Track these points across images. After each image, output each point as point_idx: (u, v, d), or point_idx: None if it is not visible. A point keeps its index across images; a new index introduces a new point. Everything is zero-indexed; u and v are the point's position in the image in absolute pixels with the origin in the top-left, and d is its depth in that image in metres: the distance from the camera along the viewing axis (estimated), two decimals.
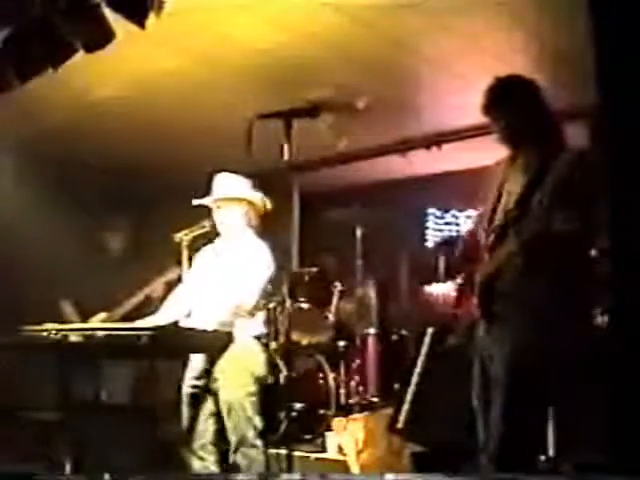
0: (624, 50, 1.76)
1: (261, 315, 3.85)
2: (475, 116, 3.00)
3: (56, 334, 3.29)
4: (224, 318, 3.57)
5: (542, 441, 2.88)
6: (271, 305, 4.51)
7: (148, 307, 4.76)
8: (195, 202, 3.85)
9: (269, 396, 3.75)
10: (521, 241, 2.57)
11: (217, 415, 3.68)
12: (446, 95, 4.66)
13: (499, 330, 2.70)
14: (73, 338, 3.25)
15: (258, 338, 3.75)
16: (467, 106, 4.46)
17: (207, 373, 3.66)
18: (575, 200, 2.61)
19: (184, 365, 3.81)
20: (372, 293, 5.47)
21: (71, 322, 4.67)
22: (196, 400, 3.69)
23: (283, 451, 3.32)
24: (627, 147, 1.76)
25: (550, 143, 2.83)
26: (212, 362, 3.63)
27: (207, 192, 3.90)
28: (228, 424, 3.62)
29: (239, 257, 3.75)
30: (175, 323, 3.24)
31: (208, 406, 3.69)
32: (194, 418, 3.68)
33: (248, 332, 3.69)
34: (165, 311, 3.87)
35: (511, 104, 2.89)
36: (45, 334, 3.32)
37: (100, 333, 3.23)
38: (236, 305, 3.64)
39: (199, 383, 3.69)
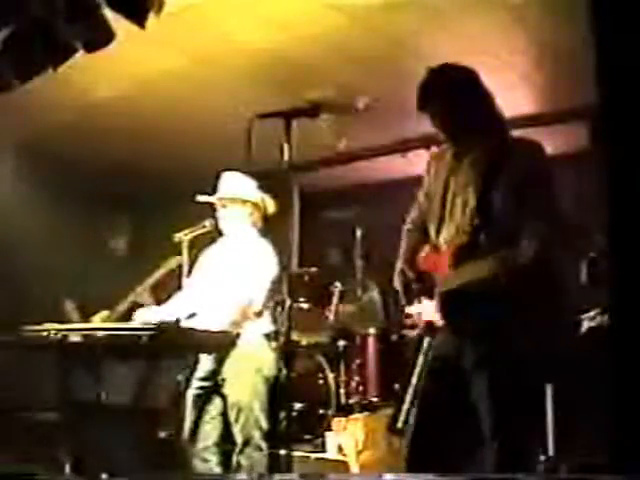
0: (624, 50, 1.76)
1: (269, 314, 3.84)
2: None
3: (56, 334, 3.29)
4: (231, 318, 3.57)
5: (531, 444, 2.75)
6: (271, 305, 4.51)
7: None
8: (200, 198, 3.85)
9: (274, 396, 3.74)
10: (493, 267, 2.39)
11: (223, 416, 3.67)
12: None
13: (467, 337, 2.55)
14: (73, 338, 3.25)
15: (267, 337, 3.73)
16: None
17: (214, 373, 3.65)
18: (539, 197, 2.48)
19: (188, 365, 3.80)
20: (376, 295, 5.46)
21: (72, 321, 4.67)
22: (201, 401, 3.68)
23: (283, 451, 3.32)
24: (627, 147, 1.76)
25: (495, 135, 2.64)
26: (220, 362, 3.62)
27: (208, 192, 3.90)
28: (236, 425, 3.61)
29: (244, 257, 3.74)
30: (176, 323, 3.24)
31: (214, 407, 3.68)
32: (199, 419, 3.67)
33: (257, 331, 3.68)
34: (168, 310, 3.85)
35: (445, 96, 2.64)
36: (45, 334, 3.32)
37: (100, 333, 3.23)
38: (245, 305, 3.63)
39: (205, 384, 3.68)
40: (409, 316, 2.79)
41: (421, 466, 2.58)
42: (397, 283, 2.84)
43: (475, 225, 2.52)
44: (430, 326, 2.64)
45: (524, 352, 2.47)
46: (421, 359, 2.73)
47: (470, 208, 2.57)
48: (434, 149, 4.50)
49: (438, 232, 2.70)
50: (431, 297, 2.66)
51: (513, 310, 2.46)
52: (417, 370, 2.74)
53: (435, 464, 2.53)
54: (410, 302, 2.78)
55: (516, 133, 5.11)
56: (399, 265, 2.86)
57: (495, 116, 2.70)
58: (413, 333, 2.79)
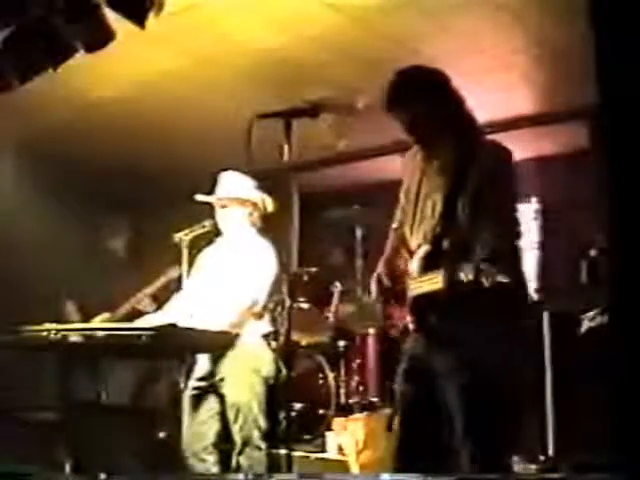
0: (624, 50, 1.76)
1: (267, 314, 3.83)
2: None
3: (56, 334, 3.29)
4: (234, 319, 3.57)
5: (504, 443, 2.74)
6: (271, 305, 4.51)
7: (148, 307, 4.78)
8: (199, 198, 3.85)
9: (272, 396, 3.74)
10: (450, 280, 2.33)
11: (221, 416, 3.66)
12: None
13: (437, 343, 2.56)
14: (73, 338, 3.25)
15: (265, 337, 3.73)
16: None
17: (212, 374, 3.64)
18: (495, 206, 2.45)
19: (187, 365, 3.80)
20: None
21: (73, 322, 4.67)
22: (199, 401, 3.68)
23: (283, 451, 3.32)
24: (627, 147, 1.76)
25: (464, 139, 2.60)
26: (218, 362, 3.62)
27: (207, 192, 3.90)
28: (234, 425, 3.60)
29: (244, 257, 3.74)
30: (175, 323, 3.24)
31: (212, 407, 3.67)
32: (197, 419, 3.67)
33: (256, 331, 3.68)
34: (168, 310, 3.86)
35: (414, 99, 2.60)
36: (45, 334, 3.32)
37: (100, 333, 3.23)
38: (247, 307, 3.64)
39: (202, 384, 3.68)
40: (390, 317, 2.80)
41: (406, 465, 2.60)
42: (373, 288, 2.83)
43: (438, 232, 2.52)
44: (406, 328, 2.65)
45: (485, 359, 2.45)
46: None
47: (437, 214, 2.57)
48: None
49: (411, 234, 2.71)
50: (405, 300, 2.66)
51: (465, 322, 2.44)
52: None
53: (419, 463, 2.55)
54: (388, 302, 2.78)
55: (516, 133, 5.11)
56: (378, 268, 2.85)
57: (464, 119, 2.65)
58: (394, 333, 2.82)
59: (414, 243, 2.67)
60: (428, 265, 2.50)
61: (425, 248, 2.55)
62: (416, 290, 2.52)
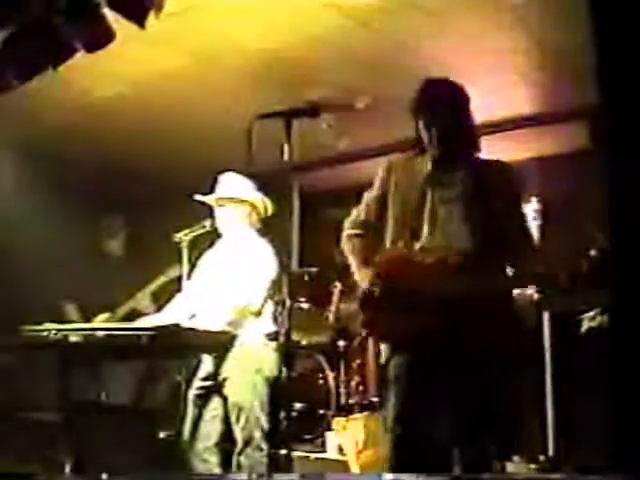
0: (624, 50, 1.76)
1: (270, 313, 3.83)
2: (474, 116, 2.96)
3: (56, 334, 3.29)
4: (231, 318, 3.57)
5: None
6: (272, 304, 4.51)
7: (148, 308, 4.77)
8: (198, 198, 3.86)
9: (275, 396, 3.74)
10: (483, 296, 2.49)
11: (224, 416, 3.66)
12: None
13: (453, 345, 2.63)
14: (73, 338, 3.25)
15: (268, 336, 3.73)
16: None
17: (215, 374, 3.64)
18: (519, 216, 2.75)
19: (189, 365, 3.80)
20: None
21: (73, 322, 4.67)
22: (202, 401, 3.68)
23: (283, 451, 3.33)
24: (627, 147, 1.76)
25: (479, 154, 2.83)
26: (221, 362, 3.62)
27: (208, 192, 3.90)
28: (236, 425, 3.60)
29: (243, 257, 3.74)
30: (176, 323, 3.24)
31: (215, 407, 3.67)
32: (199, 419, 3.67)
33: (259, 331, 3.68)
34: (168, 311, 3.86)
35: (449, 105, 2.76)
36: (46, 334, 3.32)
37: (101, 333, 3.23)
38: (243, 306, 3.64)
39: (206, 384, 3.68)
40: (373, 324, 2.82)
41: (402, 465, 2.65)
42: (362, 303, 2.95)
43: (478, 242, 2.64)
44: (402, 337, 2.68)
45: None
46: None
47: (460, 222, 2.69)
48: None
49: (416, 238, 2.75)
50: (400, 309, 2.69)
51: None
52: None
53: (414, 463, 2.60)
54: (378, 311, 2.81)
55: (516, 133, 5.11)
56: (364, 283, 2.92)
57: (478, 133, 2.86)
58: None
59: (419, 250, 2.72)
60: (470, 272, 2.57)
61: (457, 257, 2.62)
62: (460, 294, 2.55)
